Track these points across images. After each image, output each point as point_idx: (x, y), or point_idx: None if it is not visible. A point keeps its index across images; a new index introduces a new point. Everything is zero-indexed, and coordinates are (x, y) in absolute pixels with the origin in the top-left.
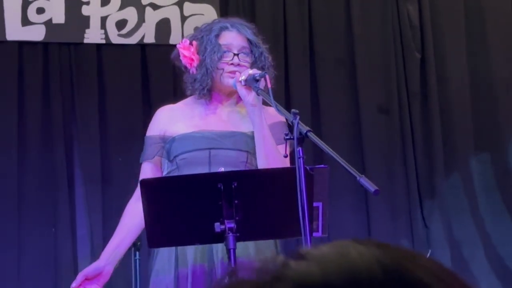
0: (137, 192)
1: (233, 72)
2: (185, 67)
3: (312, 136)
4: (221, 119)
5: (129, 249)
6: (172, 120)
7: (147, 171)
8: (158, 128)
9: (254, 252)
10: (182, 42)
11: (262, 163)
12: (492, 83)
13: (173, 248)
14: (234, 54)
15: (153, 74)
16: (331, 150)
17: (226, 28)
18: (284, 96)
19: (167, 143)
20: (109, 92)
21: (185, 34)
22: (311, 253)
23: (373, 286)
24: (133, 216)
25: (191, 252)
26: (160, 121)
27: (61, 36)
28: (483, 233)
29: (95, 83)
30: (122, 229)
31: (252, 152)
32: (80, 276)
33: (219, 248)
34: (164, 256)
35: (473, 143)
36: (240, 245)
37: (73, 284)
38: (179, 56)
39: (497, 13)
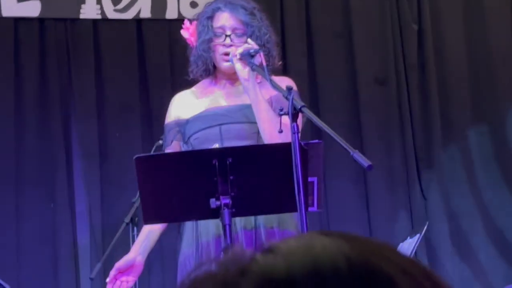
0: None
1: (227, 54)
2: (190, 47)
3: (307, 111)
4: (229, 95)
5: (126, 224)
6: (184, 105)
7: None
8: (173, 114)
9: (277, 223)
10: (185, 22)
11: (265, 137)
12: (489, 54)
13: (196, 222)
14: (226, 35)
15: (150, 49)
16: (325, 125)
17: (218, 9)
18: (281, 69)
19: (182, 127)
20: (105, 68)
21: (181, 9)
22: (278, 247)
23: (337, 280)
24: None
25: (213, 223)
26: (174, 108)
27: (56, 12)
28: (481, 205)
29: (92, 59)
30: (148, 226)
31: None
32: (113, 271)
33: (239, 218)
34: (189, 230)
35: (471, 114)
36: (263, 217)
37: (107, 280)
38: (185, 36)
39: None
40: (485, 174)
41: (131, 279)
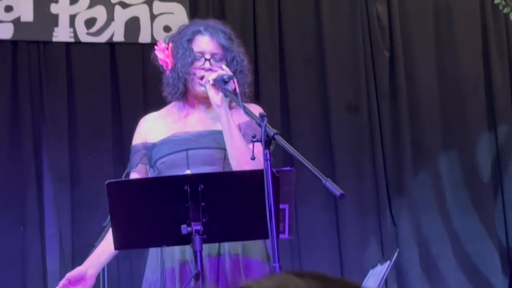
0: None
1: (204, 78)
2: (163, 68)
3: (279, 138)
4: (197, 120)
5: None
6: (152, 128)
7: None
8: (140, 136)
9: (241, 250)
10: (159, 43)
11: (233, 163)
12: (460, 82)
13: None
14: (206, 59)
15: (122, 72)
16: (297, 153)
17: (199, 32)
18: (254, 95)
19: (149, 150)
20: (78, 91)
21: (154, 33)
22: (251, 287)
23: None
24: (109, 239)
25: (178, 248)
26: (142, 130)
27: (29, 35)
28: (450, 231)
29: (64, 81)
30: (106, 240)
31: None
32: (63, 280)
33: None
34: (153, 256)
35: (441, 141)
36: (227, 244)
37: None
38: (157, 57)
39: (464, 13)
40: (455, 200)
41: None
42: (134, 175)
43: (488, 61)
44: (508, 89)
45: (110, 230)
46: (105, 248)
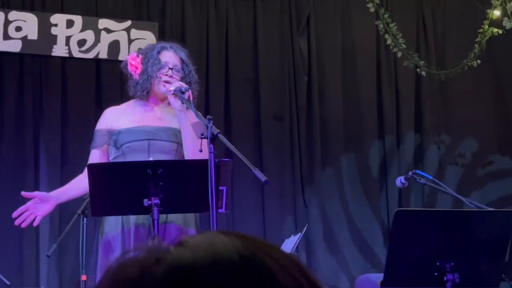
0: (85, 171)
1: (167, 82)
2: (130, 74)
3: (221, 137)
4: (156, 117)
5: (78, 215)
6: (117, 118)
7: (96, 156)
8: (105, 123)
9: (182, 221)
10: (131, 54)
11: (187, 154)
12: (358, 102)
13: None
14: (169, 68)
15: (105, 82)
16: (234, 148)
17: (166, 48)
18: (204, 105)
19: (114, 135)
20: (70, 95)
21: (130, 52)
22: (187, 242)
23: (231, 268)
24: (79, 182)
25: (133, 216)
26: (107, 118)
27: (34, 49)
28: (347, 212)
29: (59, 87)
30: (70, 185)
31: (180, 143)
32: (33, 193)
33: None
34: (112, 220)
35: (343, 146)
36: (172, 216)
37: (24, 194)
38: (127, 65)
39: (364, 50)
40: (351, 190)
41: (39, 213)
42: (97, 153)
43: (380, 87)
44: (394, 109)
45: (71, 182)
46: (67, 191)
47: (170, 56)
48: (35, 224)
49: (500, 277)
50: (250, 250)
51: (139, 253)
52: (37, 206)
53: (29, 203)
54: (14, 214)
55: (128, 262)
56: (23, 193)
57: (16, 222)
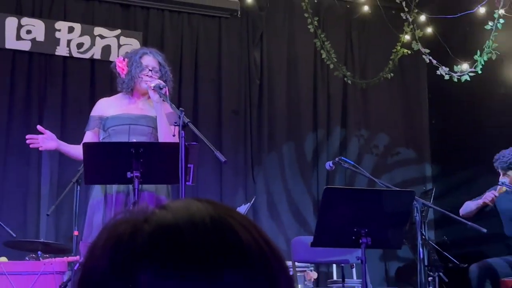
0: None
1: (148, 81)
2: (118, 74)
3: (191, 125)
4: (138, 107)
5: (73, 183)
6: (107, 107)
7: (89, 137)
8: (98, 110)
9: (154, 190)
10: (118, 58)
11: (161, 136)
12: (299, 101)
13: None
14: (149, 70)
15: (98, 78)
16: (201, 134)
17: (146, 53)
18: (177, 99)
19: (103, 120)
20: (69, 87)
21: (119, 55)
22: (169, 205)
23: (204, 228)
24: (76, 148)
25: (115, 185)
26: (99, 107)
27: (41, 49)
28: (286, 188)
29: (61, 81)
30: (71, 146)
31: (155, 128)
32: (45, 131)
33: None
34: (98, 188)
35: (285, 135)
36: (148, 186)
37: (40, 128)
38: (116, 66)
39: (304, 61)
40: (291, 171)
41: (43, 146)
42: (90, 134)
43: (315, 91)
44: (326, 109)
45: (72, 146)
46: (69, 148)
47: (150, 60)
48: (40, 149)
49: (401, 241)
50: (219, 214)
51: (129, 214)
52: (45, 140)
53: (40, 136)
54: (28, 136)
55: (121, 220)
56: (38, 127)
57: (27, 141)
